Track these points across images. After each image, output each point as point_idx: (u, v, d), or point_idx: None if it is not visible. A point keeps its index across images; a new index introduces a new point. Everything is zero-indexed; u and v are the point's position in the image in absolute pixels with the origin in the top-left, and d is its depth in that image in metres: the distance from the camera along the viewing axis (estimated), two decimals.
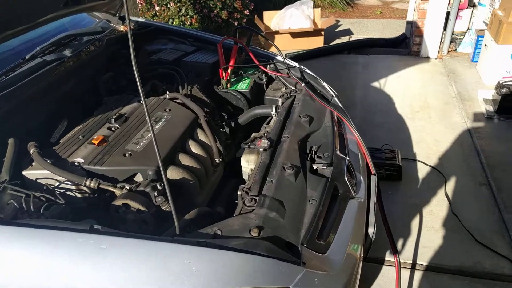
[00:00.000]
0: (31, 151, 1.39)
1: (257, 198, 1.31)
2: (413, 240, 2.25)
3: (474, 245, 2.19)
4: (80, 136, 1.52)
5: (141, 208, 1.26)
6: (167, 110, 1.71)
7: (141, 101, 1.78)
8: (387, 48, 4.88)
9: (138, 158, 1.42)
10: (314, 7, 5.41)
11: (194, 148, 1.62)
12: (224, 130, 1.87)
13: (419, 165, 2.84)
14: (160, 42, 2.49)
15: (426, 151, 2.98)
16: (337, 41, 5.40)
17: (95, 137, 1.51)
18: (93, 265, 1.00)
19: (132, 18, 2.61)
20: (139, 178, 1.42)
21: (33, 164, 1.37)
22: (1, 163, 1.37)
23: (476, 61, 4.20)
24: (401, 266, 2.09)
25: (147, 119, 1.01)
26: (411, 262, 2.12)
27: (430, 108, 3.55)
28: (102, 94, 1.94)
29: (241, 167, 1.62)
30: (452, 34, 4.46)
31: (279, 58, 2.19)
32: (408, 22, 4.96)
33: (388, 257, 2.12)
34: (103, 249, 1.00)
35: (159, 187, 1.33)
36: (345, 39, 5.50)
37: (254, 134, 1.73)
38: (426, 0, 4.32)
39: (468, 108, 3.45)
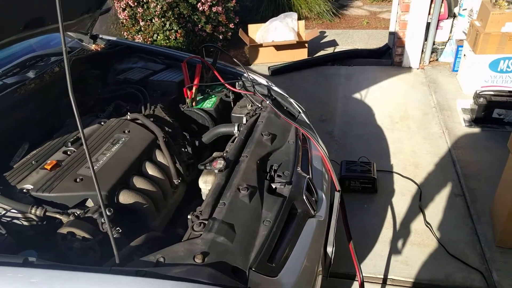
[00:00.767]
0: None
1: (206, 222, 1.29)
2: (385, 254, 2.23)
3: (446, 258, 2.17)
4: (33, 161, 1.50)
5: (86, 236, 1.25)
6: (126, 131, 1.70)
7: (102, 123, 1.78)
8: (370, 59, 4.91)
9: (89, 183, 1.41)
10: (299, 19, 5.45)
11: (150, 170, 1.61)
12: (186, 150, 1.86)
13: (395, 176, 2.83)
14: (131, 61, 2.49)
15: (403, 163, 2.98)
16: (322, 53, 5.42)
17: (48, 161, 1.50)
18: None
19: (104, 37, 2.62)
20: (91, 203, 1.41)
21: None
22: None
23: (457, 71, 4.22)
24: (372, 281, 2.07)
25: (85, 148, 1.00)
26: (382, 277, 2.10)
27: (410, 118, 3.56)
28: (64, 116, 1.93)
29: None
30: (434, 44, 4.49)
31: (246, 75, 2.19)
32: (390, 33, 5.00)
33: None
34: (33, 282, 0.98)
35: (108, 213, 1.31)
36: (330, 50, 5.53)
37: (214, 154, 1.72)
38: (407, 11, 4.36)
39: (447, 118, 3.46)
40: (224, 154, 1.66)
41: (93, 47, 2.52)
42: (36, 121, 1.87)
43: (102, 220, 1.28)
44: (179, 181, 1.67)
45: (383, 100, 3.92)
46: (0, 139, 1.70)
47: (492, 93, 3.28)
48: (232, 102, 2.17)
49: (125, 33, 5.09)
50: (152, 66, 2.37)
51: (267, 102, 2.01)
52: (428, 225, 2.38)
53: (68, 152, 1.58)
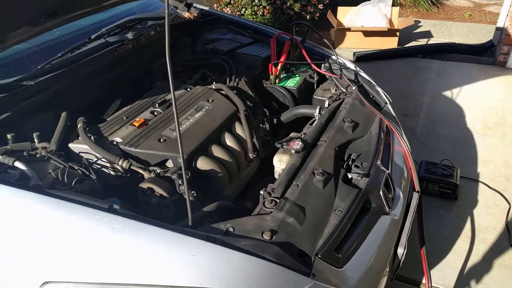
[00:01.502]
0: (78, 126, 1.50)
1: (278, 200, 1.28)
2: (458, 266, 2.07)
3: None
4: (124, 117, 1.60)
5: (164, 194, 1.30)
6: (210, 100, 1.74)
7: (188, 89, 1.84)
8: (469, 56, 4.47)
9: (171, 144, 1.46)
10: (393, 6, 5.12)
11: (229, 141, 1.63)
12: (264, 126, 1.85)
13: (481, 186, 2.59)
14: (220, 32, 2.52)
15: (493, 173, 2.70)
16: (413, 43, 5.07)
17: (137, 119, 1.58)
18: (103, 241, 1.05)
19: (197, 5, 2.68)
20: (171, 164, 1.47)
21: (78, 138, 1.48)
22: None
23: None
24: None
25: (174, 112, 1.02)
26: None
27: (507, 125, 3.20)
28: (155, 78, 2.03)
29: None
30: None
31: (335, 58, 2.11)
32: (497, 28, 4.49)
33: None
34: (115, 228, 1.05)
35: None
36: (422, 41, 5.14)
37: (292, 134, 1.69)
38: None
39: None
40: (302, 136, 1.63)
41: (186, 15, 2.59)
42: (129, 80, 1.98)
43: (180, 182, 1.33)
44: (254, 155, 1.67)
45: (478, 102, 3.57)
46: (98, 93, 1.83)
47: None
48: (315, 84, 2.11)
49: (215, 4, 5.18)
50: (240, 39, 2.38)
51: (353, 87, 1.92)
52: None
53: (155, 113, 1.65)
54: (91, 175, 1.34)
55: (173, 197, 1.32)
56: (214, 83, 1.87)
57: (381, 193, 1.46)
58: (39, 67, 1.65)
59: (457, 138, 3.09)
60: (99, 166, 1.42)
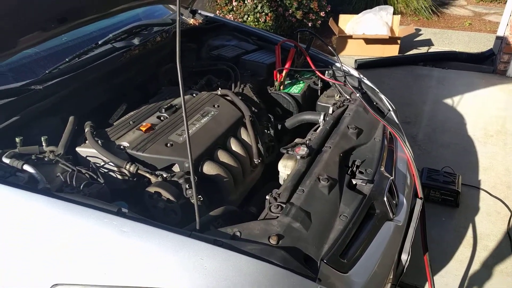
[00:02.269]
0: (85, 130, 1.51)
1: (284, 205, 1.29)
2: (460, 274, 2.07)
3: None
4: (131, 122, 1.61)
5: (171, 198, 1.31)
6: (215, 106, 1.75)
7: (194, 94, 1.86)
8: (469, 64, 4.50)
9: (178, 149, 1.48)
10: (394, 14, 5.17)
11: (234, 146, 1.64)
12: (268, 131, 1.87)
13: (482, 194, 2.60)
14: (225, 38, 2.55)
15: (494, 180, 2.72)
16: (414, 51, 5.10)
17: (144, 124, 1.59)
18: (112, 244, 1.06)
19: (202, 12, 2.71)
20: (177, 168, 1.48)
21: (86, 142, 1.49)
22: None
23: None
24: None
25: (183, 115, 1.03)
26: None
27: (508, 134, 3.22)
28: (161, 83, 2.04)
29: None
30: None
31: (339, 65, 2.13)
32: (497, 37, 4.53)
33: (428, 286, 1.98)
34: (123, 231, 1.06)
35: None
36: (423, 50, 5.18)
37: (296, 140, 1.71)
38: None
39: None
40: (307, 142, 1.64)
41: (191, 21, 2.62)
42: (136, 85, 2.00)
43: (187, 186, 1.34)
44: (259, 161, 1.69)
45: (478, 110, 3.59)
46: (105, 98, 1.85)
47: None
48: (319, 91, 2.13)
49: (218, 11, 5.22)
50: (245, 46, 2.41)
51: (357, 94, 1.94)
52: None
53: (162, 118, 1.67)
54: (98, 179, 1.35)
55: (180, 201, 1.33)
56: (219, 89, 1.89)
57: (385, 199, 1.47)
58: (47, 71, 1.67)
59: (458, 145, 3.11)
60: (106, 170, 1.44)
